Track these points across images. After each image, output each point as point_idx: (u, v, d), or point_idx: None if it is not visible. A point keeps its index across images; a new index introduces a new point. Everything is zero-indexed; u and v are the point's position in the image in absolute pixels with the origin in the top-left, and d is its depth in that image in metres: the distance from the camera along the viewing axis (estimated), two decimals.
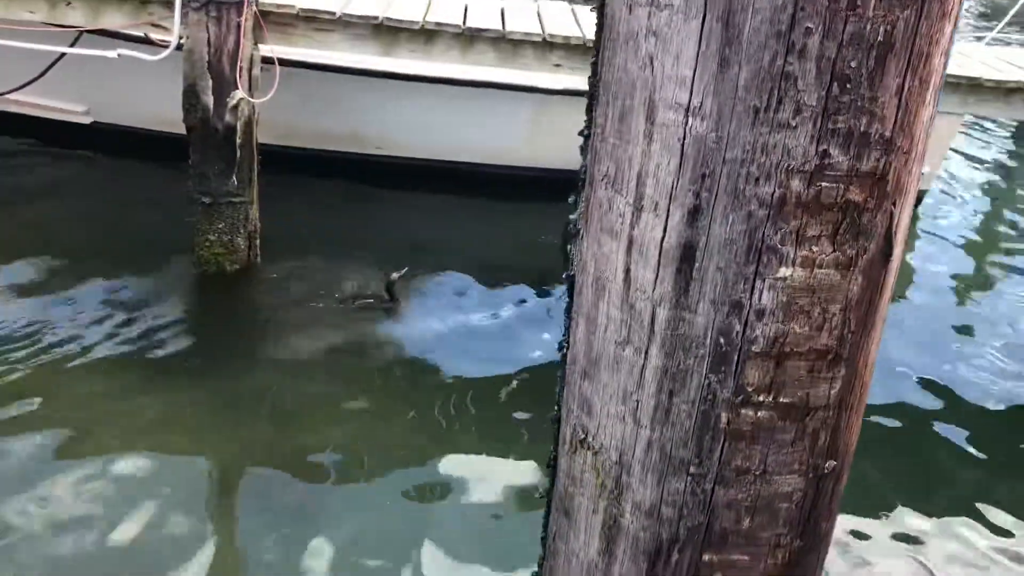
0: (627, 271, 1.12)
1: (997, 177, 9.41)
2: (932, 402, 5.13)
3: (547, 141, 6.67)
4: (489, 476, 4.17)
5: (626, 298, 1.13)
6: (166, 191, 5.94)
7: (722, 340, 1.07)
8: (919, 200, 8.03)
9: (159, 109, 6.10)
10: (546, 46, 5.40)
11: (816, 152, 0.99)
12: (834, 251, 1.03)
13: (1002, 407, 5.18)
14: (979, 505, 4.29)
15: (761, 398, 1.09)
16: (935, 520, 4.16)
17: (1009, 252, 7.62)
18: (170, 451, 4.12)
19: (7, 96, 5.83)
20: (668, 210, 1.06)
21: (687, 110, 1.01)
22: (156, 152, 6.33)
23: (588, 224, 1.19)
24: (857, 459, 1.24)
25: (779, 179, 1.00)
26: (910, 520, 4.15)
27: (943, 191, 8.63)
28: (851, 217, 1.02)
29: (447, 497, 4.03)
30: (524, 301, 5.85)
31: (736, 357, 1.07)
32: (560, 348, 1.34)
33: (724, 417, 1.10)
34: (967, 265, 7.27)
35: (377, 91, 6.48)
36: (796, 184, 1.00)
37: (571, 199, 1.27)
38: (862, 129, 0.98)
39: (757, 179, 1.00)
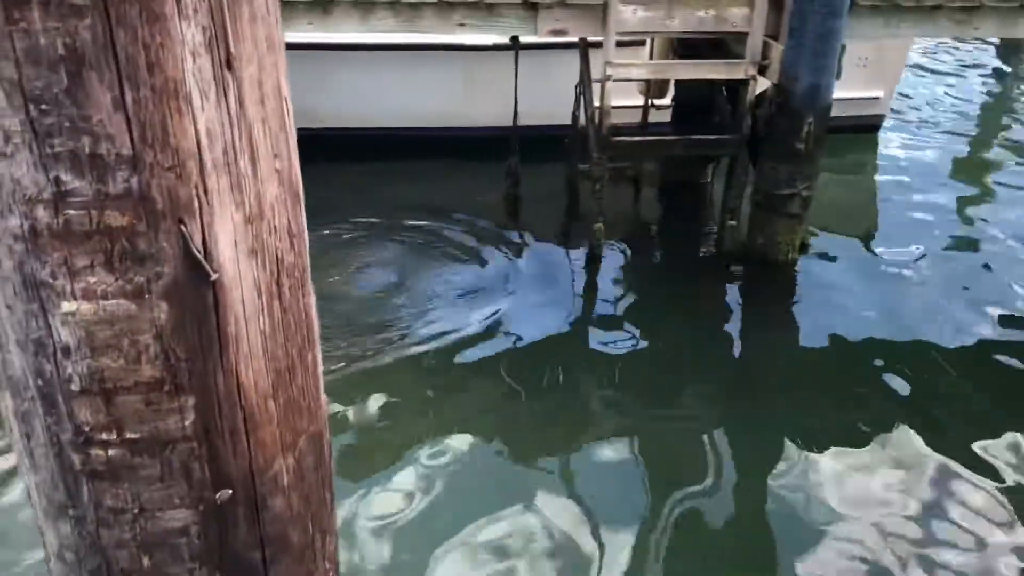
0: None
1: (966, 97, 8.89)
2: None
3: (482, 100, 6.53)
4: None
5: None
6: None
7: (40, 381, 1.00)
8: (876, 127, 7.48)
9: None
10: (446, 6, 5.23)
11: (49, 180, 0.90)
12: (117, 280, 0.95)
13: None
14: None
15: (104, 436, 1.02)
16: None
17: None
18: None
19: None
20: None
21: None
22: None
23: None
24: None
25: (22, 211, 0.91)
26: None
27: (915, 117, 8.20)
28: (123, 243, 0.93)
29: None
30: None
31: (60, 398, 1.00)
32: None
33: (76, 459, 1.04)
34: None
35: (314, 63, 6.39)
36: (43, 214, 0.91)
37: None
38: (89, 151, 0.89)
39: (1, 212, 0.92)
